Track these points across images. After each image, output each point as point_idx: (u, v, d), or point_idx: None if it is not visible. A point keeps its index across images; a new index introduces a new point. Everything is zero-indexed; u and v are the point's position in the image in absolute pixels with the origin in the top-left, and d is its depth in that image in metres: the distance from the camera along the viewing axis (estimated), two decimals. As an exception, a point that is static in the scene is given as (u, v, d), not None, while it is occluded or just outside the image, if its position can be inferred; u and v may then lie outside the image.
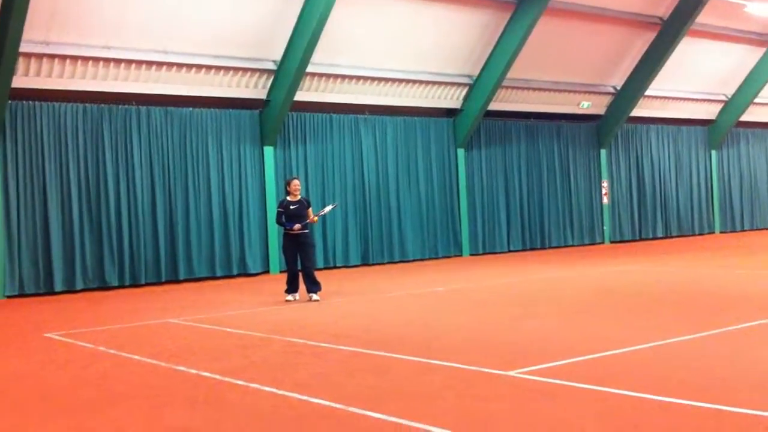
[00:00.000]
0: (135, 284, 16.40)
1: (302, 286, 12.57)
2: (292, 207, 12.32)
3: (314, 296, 12.34)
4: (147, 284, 16.55)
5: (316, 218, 12.55)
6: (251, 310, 11.75)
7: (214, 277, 17.43)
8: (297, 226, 12.20)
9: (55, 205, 15.65)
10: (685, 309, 9.84)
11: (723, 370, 6.25)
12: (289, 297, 12.39)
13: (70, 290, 15.69)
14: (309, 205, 12.52)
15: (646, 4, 22.44)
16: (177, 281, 16.96)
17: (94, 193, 16.10)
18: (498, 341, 8.06)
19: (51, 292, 15.48)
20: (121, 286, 16.24)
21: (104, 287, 16.05)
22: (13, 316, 12.58)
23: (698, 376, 6.09)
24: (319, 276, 13.12)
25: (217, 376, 6.80)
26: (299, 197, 12.48)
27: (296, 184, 12.56)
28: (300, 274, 12.49)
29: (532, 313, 10.09)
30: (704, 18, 23.22)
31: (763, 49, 26.49)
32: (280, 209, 12.45)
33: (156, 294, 15.06)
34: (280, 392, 6.12)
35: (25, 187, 15.43)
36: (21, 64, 15.06)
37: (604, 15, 21.85)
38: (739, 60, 26.41)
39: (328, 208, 13.65)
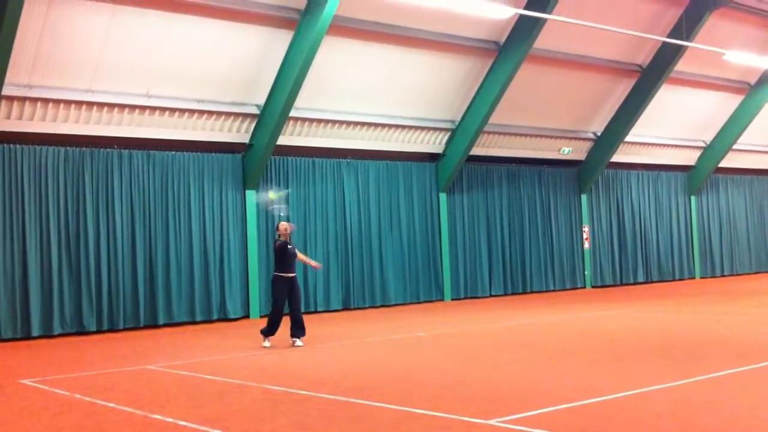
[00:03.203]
0: (113, 329, 16.19)
1: (281, 331, 12.51)
2: (289, 247, 12.38)
3: (297, 341, 12.26)
4: (125, 329, 16.35)
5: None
6: (230, 356, 11.62)
7: (193, 322, 17.25)
8: (314, 263, 13.46)
9: (34, 249, 15.49)
10: (666, 355, 9.83)
11: (704, 419, 6.22)
12: (266, 343, 12.31)
13: (48, 335, 15.47)
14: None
15: (626, 52, 22.78)
16: (156, 326, 16.77)
17: (73, 237, 15.97)
18: (479, 388, 8.00)
19: (28, 337, 15.26)
20: (100, 331, 16.03)
21: (82, 332, 15.83)
22: (-12, 361, 12.38)
23: (679, 425, 6.06)
24: (300, 321, 13.05)
25: (194, 425, 6.70)
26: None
27: (284, 225, 12.53)
28: (287, 317, 12.48)
29: (514, 359, 10.04)
30: (683, 66, 23.59)
31: (741, 96, 26.90)
32: (281, 247, 12.31)
33: (134, 339, 14.88)
34: (257, 442, 6.03)
35: (4, 230, 15.27)
36: (3, 107, 15.03)
37: (584, 62, 22.17)
38: (718, 107, 26.79)
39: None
